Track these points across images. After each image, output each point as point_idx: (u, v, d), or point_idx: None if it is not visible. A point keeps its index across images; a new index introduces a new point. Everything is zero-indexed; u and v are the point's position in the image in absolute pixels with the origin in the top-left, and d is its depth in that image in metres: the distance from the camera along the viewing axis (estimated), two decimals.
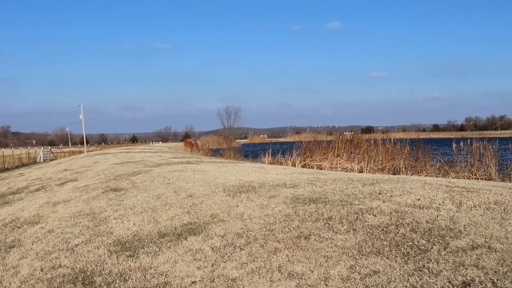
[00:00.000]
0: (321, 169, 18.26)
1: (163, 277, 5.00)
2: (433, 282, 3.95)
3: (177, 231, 6.52)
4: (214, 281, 4.72)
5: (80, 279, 5.33)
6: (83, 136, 57.85)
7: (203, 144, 68.56)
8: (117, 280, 5.09)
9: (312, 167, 19.24)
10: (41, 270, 5.93)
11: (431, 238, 4.95)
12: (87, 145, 62.41)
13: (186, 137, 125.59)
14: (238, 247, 5.53)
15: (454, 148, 16.43)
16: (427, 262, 4.37)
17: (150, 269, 5.29)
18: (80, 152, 55.60)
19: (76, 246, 6.66)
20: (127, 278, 5.13)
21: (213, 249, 5.60)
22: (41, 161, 45.55)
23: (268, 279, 4.57)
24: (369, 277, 4.24)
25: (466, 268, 4.11)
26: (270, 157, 23.25)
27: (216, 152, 44.19)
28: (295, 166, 19.61)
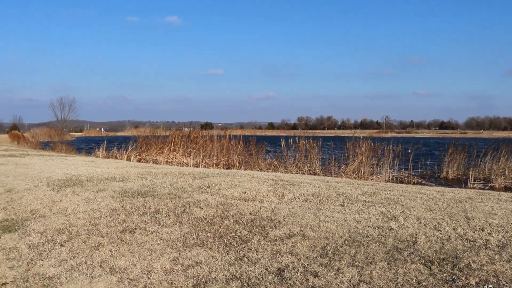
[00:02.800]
0: (156, 163, 18.11)
1: None
2: (251, 270, 4.13)
3: None
4: (28, 281, 4.39)
5: None
6: None
7: (33, 137, 63.70)
8: None
9: (148, 162, 19.01)
10: None
11: (253, 229, 5.17)
12: None
13: (13, 129, 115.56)
14: (59, 243, 5.22)
15: (283, 145, 17.36)
16: (248, 252, 4.55)
17: None
18: None
19: None
20: None
21: (30, 246, 5.21)
22: None
23: (88, 275, 4.38)
24: (191, 268, 4.28)
25: (282, 256, 4.37)
26: (104, 151, 22.44)
27: (46, 146, 41.38)
28: (130, 160, 19.19)
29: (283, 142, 17.08)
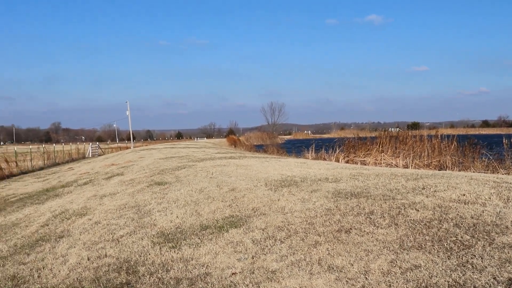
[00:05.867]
0: (365, 164, 18.05)
1: (204, 268, 5.08)
2: (477, 278, 3.86)
3: (219, 224, 6.60)
4: (254, 272, 4.76)
5: (125, 268, 5.48)
6: (129, 132, 59.12)
7: (247, 140, 68.98)
8: (160, 270, 5.20)
9: (356, 163, 19.05)
10: (88, 259, 6.12)
11: (476, 234, 4.83)
12: (133, 141, 63.75)
13: (230, 133, 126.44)
14: (279, 240, 5.55)
15: (504, 144, 15.87)
16: (471, 258, 4.27)
17: (192, 260, 5.38)
18: (127, 148, 56.77)
19: (121, 237, 6.84)
20: (169, 268, 5.23)
21: (253, 241, 5.64)
22: (90, 156, 46.76)
23: (307, 271, 4.57)
24: (410, 272, 4.18)
25: None
26: (313, 153, 23.15)
27: (259, 148, 44.32)
28: (338, 161, 19.46)
29: (505, 141, 15.62)
